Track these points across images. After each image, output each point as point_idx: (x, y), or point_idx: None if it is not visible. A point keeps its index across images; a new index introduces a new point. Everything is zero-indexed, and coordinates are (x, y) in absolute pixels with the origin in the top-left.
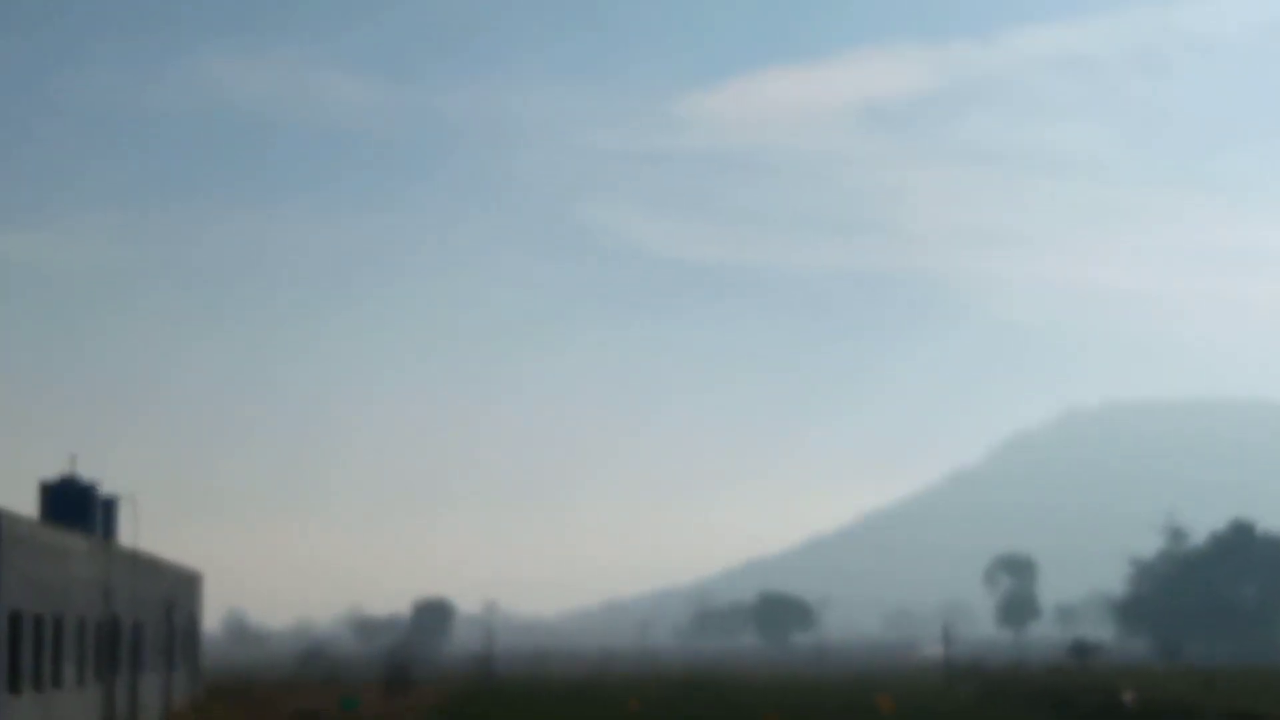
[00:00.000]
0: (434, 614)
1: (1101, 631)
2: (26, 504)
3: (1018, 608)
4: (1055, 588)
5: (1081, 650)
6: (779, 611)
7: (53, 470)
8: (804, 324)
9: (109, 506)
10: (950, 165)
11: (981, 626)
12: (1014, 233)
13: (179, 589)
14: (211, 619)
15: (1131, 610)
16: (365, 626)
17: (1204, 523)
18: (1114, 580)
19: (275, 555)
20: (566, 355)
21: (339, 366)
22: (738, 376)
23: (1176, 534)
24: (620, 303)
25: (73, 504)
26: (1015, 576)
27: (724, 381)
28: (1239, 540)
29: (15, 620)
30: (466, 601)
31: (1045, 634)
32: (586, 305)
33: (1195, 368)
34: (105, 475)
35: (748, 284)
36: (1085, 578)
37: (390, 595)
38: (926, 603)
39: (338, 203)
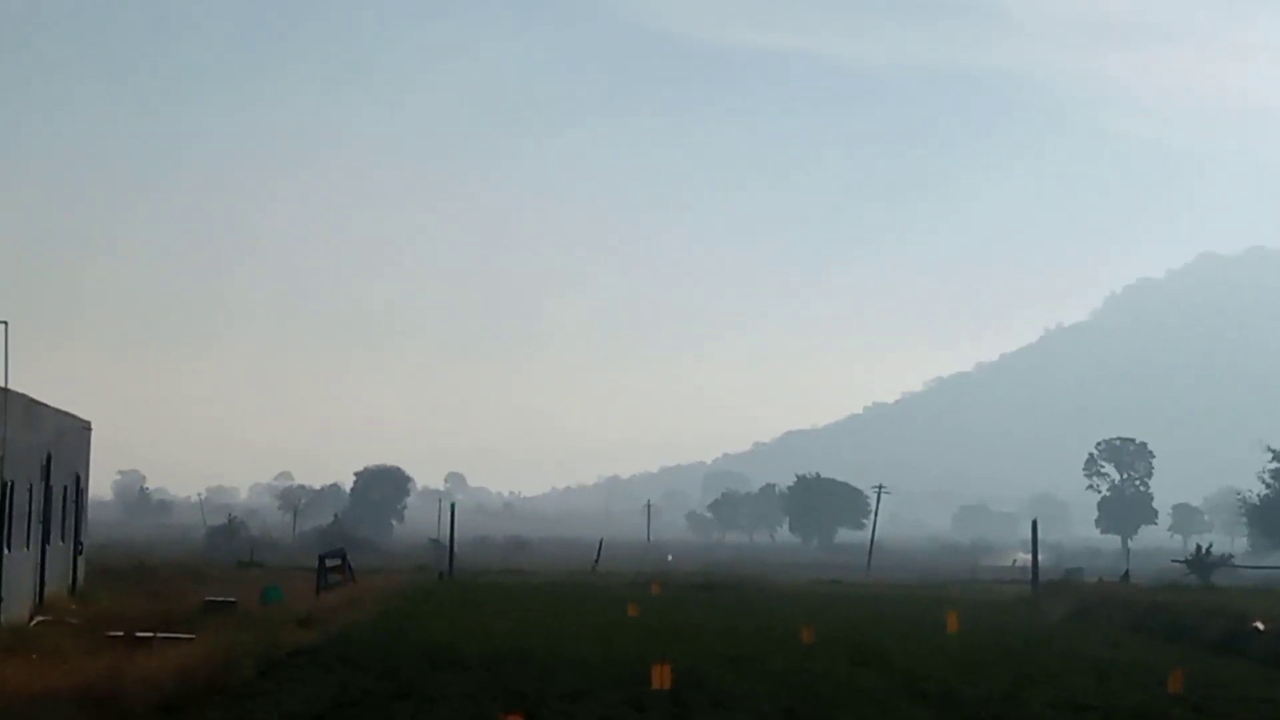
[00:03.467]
0: (383, 485)
1: (1231, 541)
2: None
3: (1126, 507)
4: (1174, 483)
5: (1204, 563)
6: (821, 499)
7: None
8: (862, 131)
9: None
10: None
11: (1080, 529)
12: (1139, 24)
13: (60, 441)
14: (101, 482)
15: (1270, 516)
16: (295, 499)
17: None
18: (1249, 477)
19: (182, 408)
20: (553, 151)
21: (261, 165)
22: (777, 194)
23: None
24: (626, 90)
25: None
26: (1124, 467)
27: (758, 200)
28: None
29: None
30: (424, 473)
31: (1160, 541)
32: (584, 88)
33: None
34: None
35: (792, 78)
36: (1213, 472)
37: (327, 462)
38: (1010, 496)
39: None
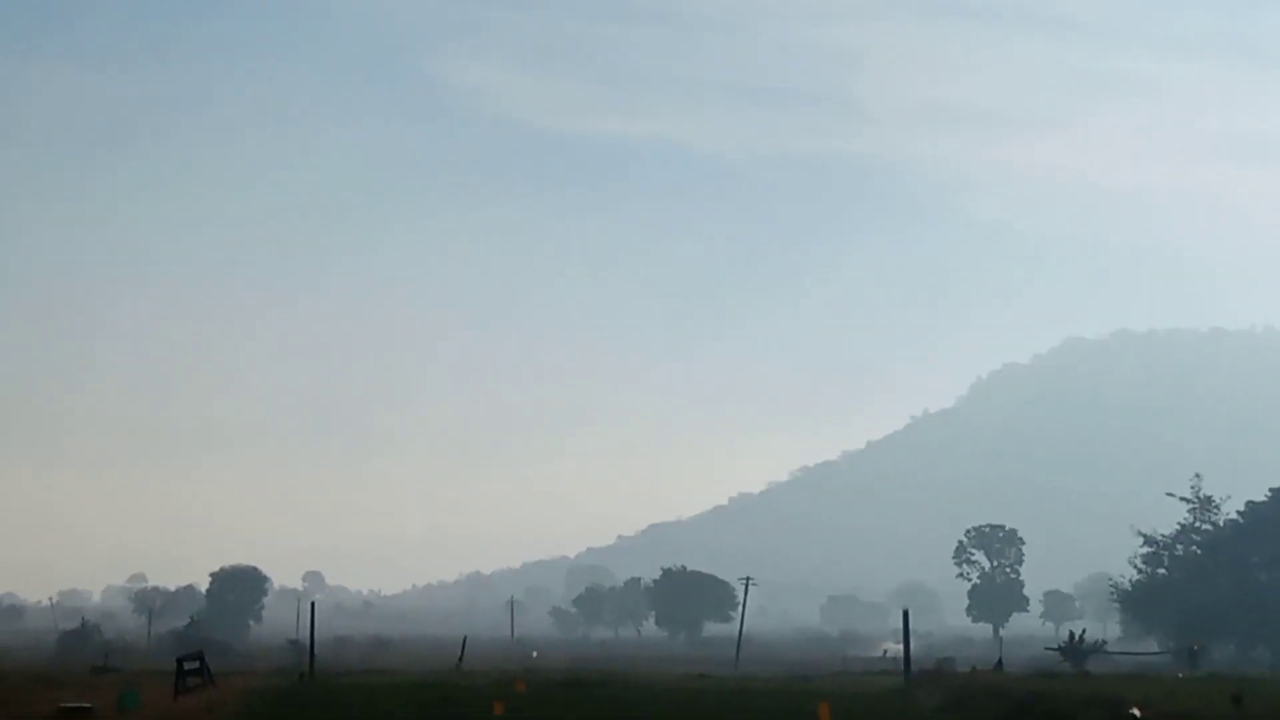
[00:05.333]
0: (239, 586)
1: (1104, 627)
2: None
3: (997, 594)
4: (1045, 570)
5: (1078, 650)
6: (687, 592)
7: None
8: (721, 221)
9: None
10: (916, 18)
11: (950, 618)
12: (993, 111)
13: None
14: None
15: (1141, 601)
16: (150, 601)
17: (1239, 490)
18: (1119, 563)
19: (31, 513)
20: (406, 242)
21: (103, 265)
22: (636, 283)
23: (1203, 505)
24: (477, 180)
25: None
26: (994, 555)
27: (617, 289)
28: None
29: None
30: (282, 573)
31: (1032, 629)
32: (434, 180)
33: (1233, 288)
34: None
35: (651, 165)
36: (1083, 558)
37: (183, 564)
38: (879, 586)
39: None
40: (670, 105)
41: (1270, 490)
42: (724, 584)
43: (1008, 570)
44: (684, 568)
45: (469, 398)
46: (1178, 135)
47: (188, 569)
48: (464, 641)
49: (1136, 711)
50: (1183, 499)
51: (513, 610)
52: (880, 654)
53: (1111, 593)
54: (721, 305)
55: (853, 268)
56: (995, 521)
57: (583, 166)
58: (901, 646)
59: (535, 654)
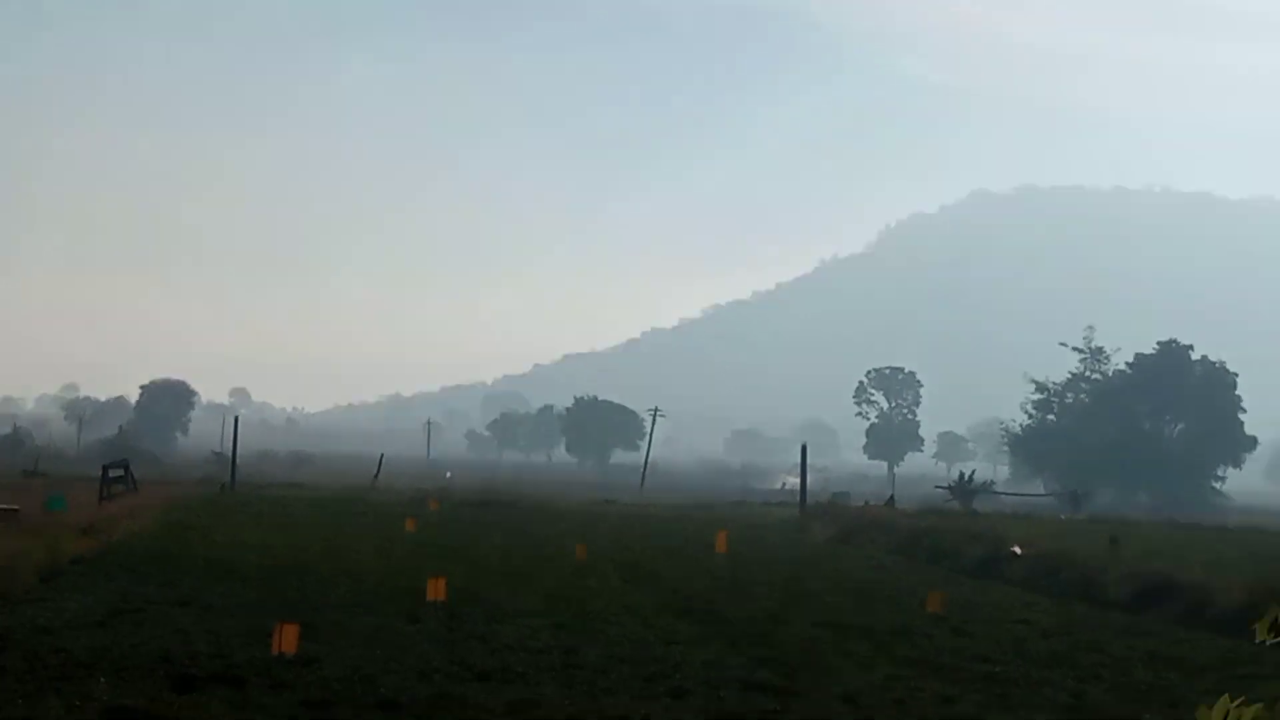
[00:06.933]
0: (167, 399)
1: (994, 469)
2: None
3: (893, 434)
4: (941, 412)
5: (966, 489)
6: (598, 421)
7: None
8: (646, 64)
9: None
10: None
11: (848, 455)
12: None
13: None
14: None
15: (1030, 445)
16: (81, 410)
17: (1130, 343)
18: (1013, 409)
19: None
20: (339, 81)
21: (33, 79)
22: (561, 125)
23: (1094, 355)
24: (412, 20)
25: None
26: (893, 396)
27: (543, 131)
28: (1170, 366)
29: None
30: (209, 388)
31: (925, 468)
32: (369, 17)
33: (1137, 149)
34: None
35: (575, 13)
36: (978, 403)
37: (114, 375)
38: (782, 422)
39: None
40: None
41: (1158, 343)
42: (633, 414)
43: (905, 411)
44: (595, 398)
45: (400, 227)
46: None
47: (120, 380)
48: (380, 459)
49: (1017, 549)
50: (1075, 349)
51: (429, 432)
52: (779, 486)
53: (1003, 436)
54: (645, 146)
55: (772, 114)
56: (896, 365)
57: (517, 13)
58: (799, 480)
59: (449, 475)
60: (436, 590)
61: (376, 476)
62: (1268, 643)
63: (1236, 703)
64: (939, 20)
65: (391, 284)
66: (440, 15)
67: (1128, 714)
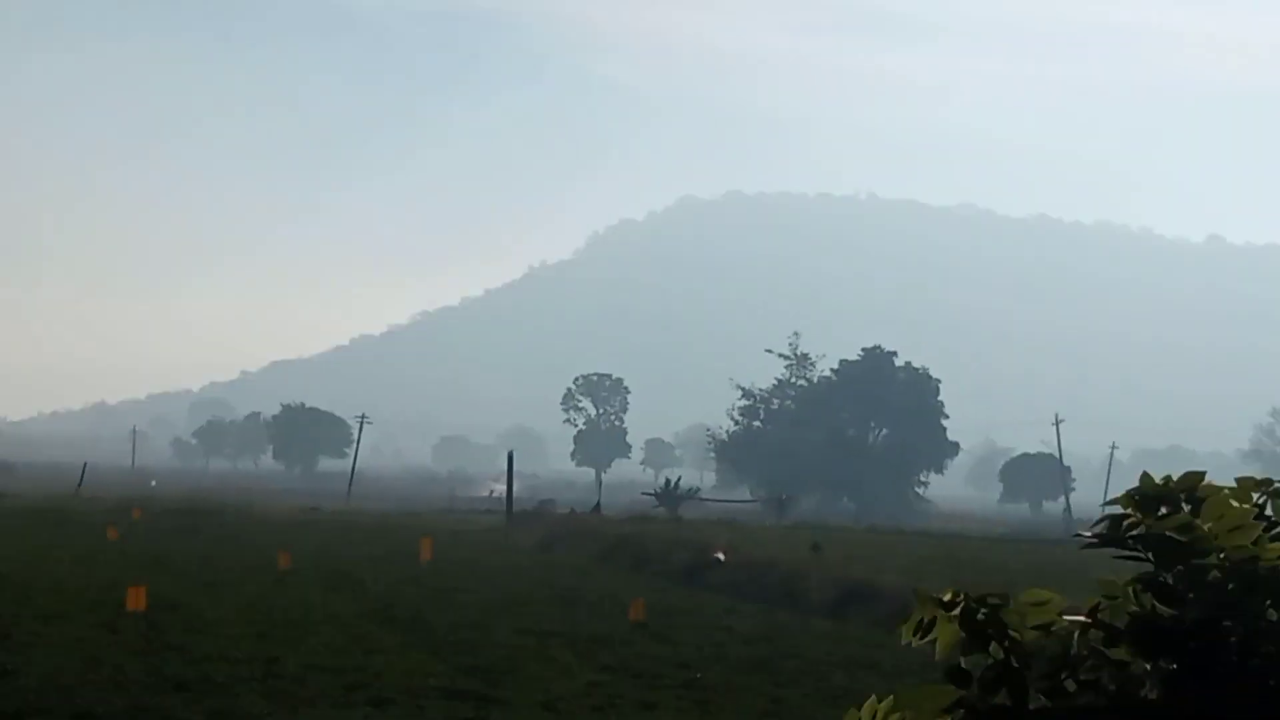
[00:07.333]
0: None
1: (701, 475)
2: None
3: (600, 440)
4: (649, 419)
5: (672, 495)
6: (305, 428)
7: None
8: (348, 66)
9: None
10: None
11: (556, 462)
12: None
13: None
14: None
15: (736, 452)
16: None
17: (835, 350)
18: (719, 414)
19: None
20: (37, 76)
21: None
22: (264, 126)
23: (799, 361)
24: (110, 14)
25: None
26: (600, 402)
27: (246, 131)
28: (874, 372)
29: None
30: None
31: (633, 474)
32: (65, 11)
33: (842, 156)
34: None
35: (274, 11)
36: (686, 409)
37: None
38: (491, 429)
39: None
40: None
41: (863, 350)
42: (340, 421)
43: (612, 418)
44: (303, 405)
45: (104, 229)
46: (794, 3)
47: None
48: (84, 468)
49: (720, 555)
50: (781, 355)
51: (134, 440)
52: (487, 494)
53: (709, 442)
54: (348, 152)
55: (481, 119)
56: (604, 371)
57: (214, 8)
58: (506, 487)
59: (154, 483)
60: (136, 600)
61: (80, 485)
62: (914, 644)
63: (883, 701)
64: (640, 27)
65: (95, 289)
66: (134, 10)
67: (822, 719)
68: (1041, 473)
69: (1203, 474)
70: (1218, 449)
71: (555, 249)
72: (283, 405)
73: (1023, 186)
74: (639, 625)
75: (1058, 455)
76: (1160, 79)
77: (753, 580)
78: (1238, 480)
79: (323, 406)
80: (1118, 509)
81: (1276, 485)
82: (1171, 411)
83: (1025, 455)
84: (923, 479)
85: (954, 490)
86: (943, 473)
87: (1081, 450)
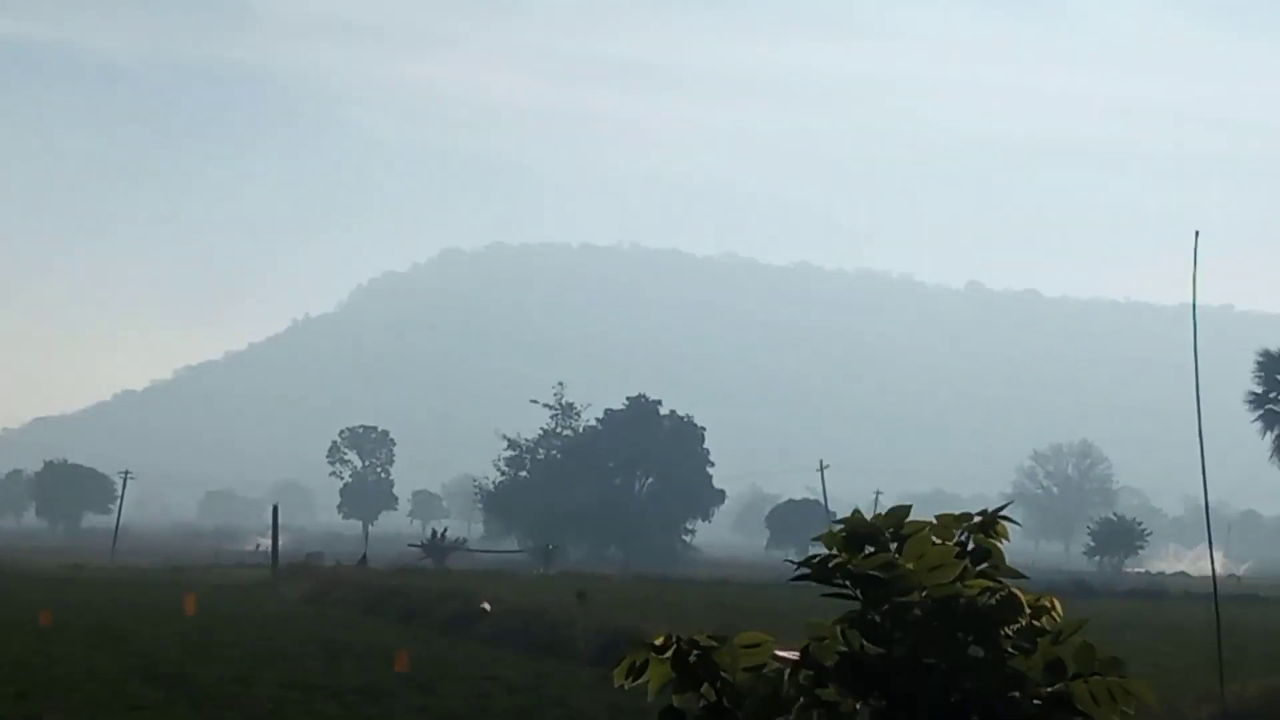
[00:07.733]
0: None
1: (469, 526)
2: None
3: (367, 493)
4: (416, 471)
5: (439, 547)
6: (68, 485)
7: None
8: (108, 119)
9: None
10: None
11: (323, 515)
12: (380, 26)
13: None
14: None
15: (503, 502)
16: None
17: (602, 397)
18: (485, 465)
19: None
20: None
21: None
22: (15, 176)
23: (565, 411)
24: None
25: None
26: (366, 455)
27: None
28: (639, 421)
29: None
30: None
31: (400, 526)
32: None
33: (605, 207)
34: None
35: (40, 67)
36: (454, 460)
37: None
38: (258, 483)
39: None
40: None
41: (628, 399)
42: (104, 477)
43: (379, 470)
44: (65, 461)
45: None
46: (554, 55)
47: None
48: None
49: (486, 605)
50: (546, 405)
51: None
52: (253, 548)
53: (475, 493)
54: (105, 203)
55: (238, 172)
56: (370, 424)
57: None
58: (270, 541)
59: None
60: None
61: None
62: (627, 687)
63: None
64: (401, 81)
65: None
66: None
67: None
68: (807, 518)
69: (908, 509)
70: (981, 492)
71: (319, 301)
72: (45, 462)
73: (783, 235)
74: (405, 676)
75: (823, 501)
76: (913, 128)
77: (519, 630)
78: (937, 517)
79: (86, 463)
80: (822, 549)
81: (975, 520)
82: (937, 456)
83: (791, 501)
84: (689, 526)
85: (721, 537)
86: (709, 520)
87: (846, 496)
